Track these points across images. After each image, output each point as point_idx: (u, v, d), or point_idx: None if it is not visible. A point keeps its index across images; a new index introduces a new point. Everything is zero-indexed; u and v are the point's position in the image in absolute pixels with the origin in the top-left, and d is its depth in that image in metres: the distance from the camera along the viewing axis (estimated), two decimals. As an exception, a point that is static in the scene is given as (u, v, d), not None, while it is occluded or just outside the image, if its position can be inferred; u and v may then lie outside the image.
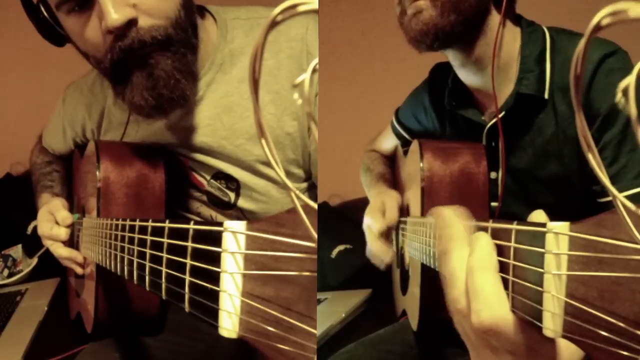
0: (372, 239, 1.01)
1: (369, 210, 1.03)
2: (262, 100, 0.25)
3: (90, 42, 0.75)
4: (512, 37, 0.85)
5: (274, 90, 0.85)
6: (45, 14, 0.79)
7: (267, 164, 0.89)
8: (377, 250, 1.00)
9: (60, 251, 0.92)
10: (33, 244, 1.40)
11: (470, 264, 0.36)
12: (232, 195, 0.95)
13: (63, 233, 0.92)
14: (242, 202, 0.94)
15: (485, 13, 0.82)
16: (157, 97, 0.76)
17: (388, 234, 1.01)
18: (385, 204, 1.02)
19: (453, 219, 0.40)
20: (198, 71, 0.85)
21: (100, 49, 0.75)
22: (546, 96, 0.81)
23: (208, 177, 0.95)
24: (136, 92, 0.76)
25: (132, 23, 0.71)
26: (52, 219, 0.94)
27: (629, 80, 0.20)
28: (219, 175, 0.94)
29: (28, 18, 0.81)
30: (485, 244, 0.36)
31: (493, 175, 0.89)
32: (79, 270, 0.93)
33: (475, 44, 0.83)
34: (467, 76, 0.89)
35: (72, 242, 0.99)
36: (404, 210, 1.07)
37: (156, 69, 0.74)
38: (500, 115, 0.84)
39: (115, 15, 0.69)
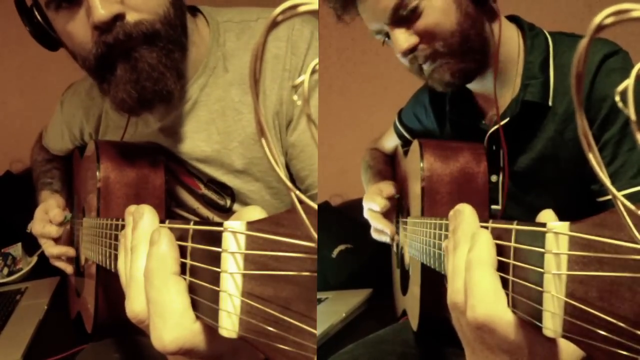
0: (375, 218, 1.02)
1: (366, 197, 1.04)
2: (253, 101, 0.25)
3: (78, 39, 0.75)
4: (509, 37, 0.84)
5: (260, 90, 0.85)
6: (38, 17, 0.79)
7: (261, 166, 0.89)
8: (383, 226, 1.01)
9: (51, 250, 0.93)
10: (33, 242, 1.39)
11: (469, 259, 0.36)
12: (227, 200, 0.95)
13: (53, 231, 0.92)
14: (238, 207, 0.94)
15: (484, 27, 0.81)
16: (140, 90, 0.75)
17: (388, 213, 1.01)
18: (380, 186, 1.04)
19: (473, 217, 0.40)
20: (191, 74, 0.85)
21: (87, 47, 0.74)
22: (550, 103, 0.81)
23: (204, 180, 0.95)
24: (120, 87, 0.75)
25: (118, 18, 0.71)
26: (46, 217, 0.95)
27: (627, 83, 0.20)
28: (214, 181, 0.94)
29: (22, 22, 0.81)
30: (484, 240, 0.36)
31: (494, 178, 0.89)
32: (68, 270, 0.93)
33: (488, 60, 0.83)
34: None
35: (71, 241, 0.99)
36: (403, 210, 1.07)
37: (140, 62, 0.74)
38: (504, 122, 0.84)
39: (102, 10, 0.69)
